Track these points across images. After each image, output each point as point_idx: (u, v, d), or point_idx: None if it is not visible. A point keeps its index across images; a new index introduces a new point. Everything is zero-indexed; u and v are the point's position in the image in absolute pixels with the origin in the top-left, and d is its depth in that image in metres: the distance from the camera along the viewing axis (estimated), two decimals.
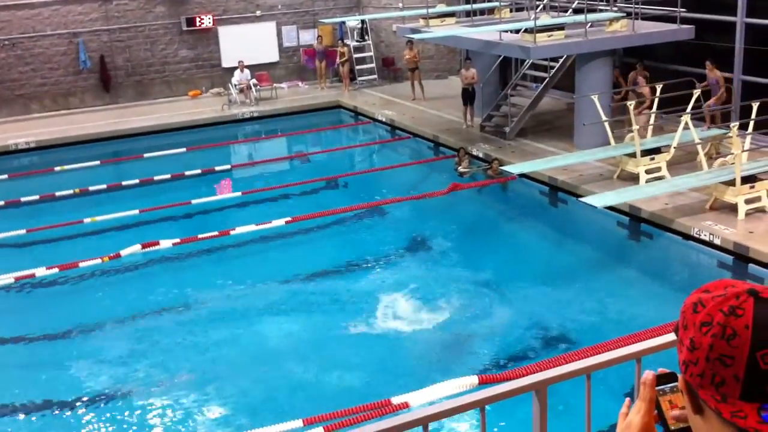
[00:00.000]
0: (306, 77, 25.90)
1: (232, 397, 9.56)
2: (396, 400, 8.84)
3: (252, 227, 14.47)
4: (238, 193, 16.93)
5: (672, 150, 14.90)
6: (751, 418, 1.31)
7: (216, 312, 11.60)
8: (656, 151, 15.11)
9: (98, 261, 13.26)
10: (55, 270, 13.01)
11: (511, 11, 20.22)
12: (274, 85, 24.47)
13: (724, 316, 1.34)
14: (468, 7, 19.86)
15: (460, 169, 17.27)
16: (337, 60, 24.64)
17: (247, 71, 23.46)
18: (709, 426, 1.40)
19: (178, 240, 13.96)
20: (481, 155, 17.80)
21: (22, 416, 9.42)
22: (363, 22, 25.60)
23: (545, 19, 17.15)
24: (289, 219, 14.72)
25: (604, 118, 15.51)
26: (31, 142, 20.82)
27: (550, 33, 16.49)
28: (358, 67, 25.64)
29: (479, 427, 3.06)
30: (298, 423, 8.62)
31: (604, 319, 11.04)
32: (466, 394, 3.08)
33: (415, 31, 19.16)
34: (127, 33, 24.06)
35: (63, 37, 23.49)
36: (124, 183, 17.75)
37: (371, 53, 25.89)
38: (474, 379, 9.17)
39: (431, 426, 2.93)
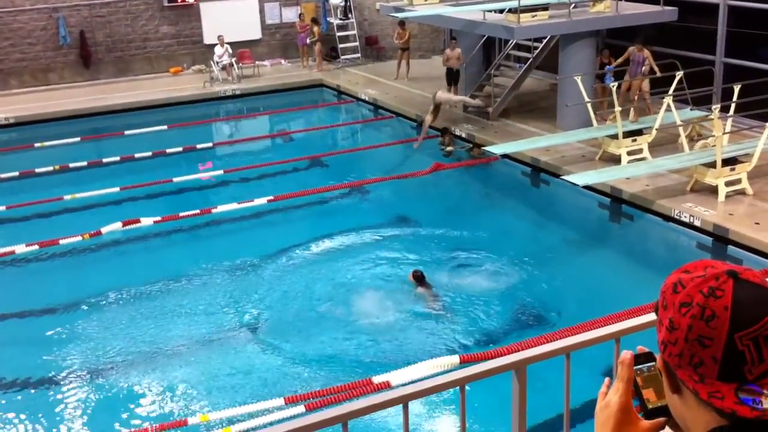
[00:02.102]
0: (289, 55, 25.72)
1: (213, 375, 9.56)
2: (377, 378, 8.89)
3: (234, 206, 14.42)
4: (220, 171, 16.86)
5: (654, 132, 14.97)
6: (728, 398, 1.33)
7: (197, 290, 11.57)
8: (638, 132, 15.18)
9: (79, 238, 13.17)
10: (36, 247, 12.92)
11: None
12: (257, 62, 24.30)
13: (703, 297, 1.35)
14: None
15: (447, 149, 17.29)
16: (308, 39, 24.50)
17: (227, 46, 23.25)
18: (687, 406, 1.41)
19: (159, 218, 13.88)
20: (464, 135, 17.80)
21: None
22: (346, 0, 25.43)
23: None
24: (271, 198, 14.67)
25: (586, 99, 15.54)
26: (10, 118, 20.58)
27: (534, 13, 16.46)
28: (341, 46, 25.49)
29: (459, 405, 3.08)
30: (280, 401, 8.66)
31: (583, 299, 11.12)
32: (447, 373, 3.10)
33: (398, 9, 19.06)
34: (108, 8, 23.77)
35: (42, 12, 23.18)
36: (104, 160, 17.62)
37: (354, 32, 25.74)
38: (454, 358, 9.23)
39: (412, 404, 2.94)
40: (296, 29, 24.80)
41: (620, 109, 14.76)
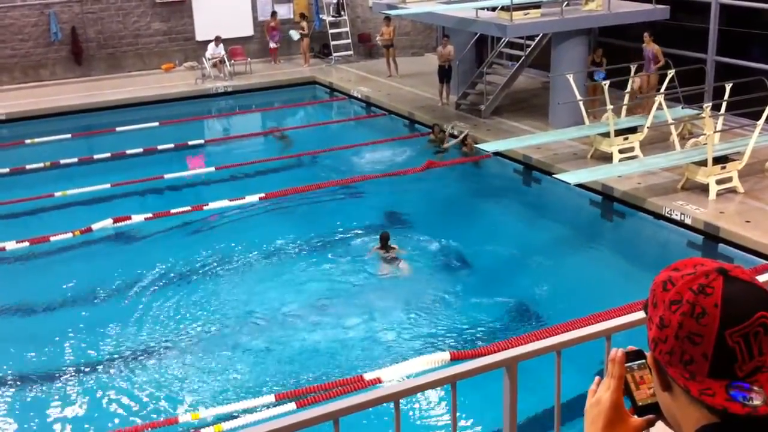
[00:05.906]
0: (281, 52, 25.60)
1: (202, 372, 9.54)
2: (368, 375, 8.89)
3: (226, 202, 14.40)
4: (212, 168, 16.82)
5: (645, 130, 15.00)
6: (719, 395, 1.33)
7: (187, 287, 11.54)
8: (630, 130, 15.21)
9: (69, 235, 13.12)
10: (26, 244, 12.87)
11: None
12: (249, 59, 24.24)
13: (693, 295, 1.35)
14: None
15: (444, 145, 17.30)
16: (297, 34, 24.46)
17: (222, 45, 23.19)
18: (678, 403, 1.41)
19: (150, 215, 13.84)
20: (456, 133, 17.81)
21: None
22: None
23: None
24: (263, 195, 14.65)
25: (578, 97, 15.55)
26: (1, 115, 20.49)
27: (526, 11, 16.47)
28: (333, 43, 25.45)
29: (450, 402, 3.08)
30: (270, 398, 8.65)
31: (575, 297, 11.13)
32: (438, 370, 3.10)
33: (391, 6, 19.04)
34: (99, 4, 23.67)
35: (34, 8, 23.07)
36: (95, 156, 17.55)
37: (347, 29, 25.70)
38: (446, 355, 9.24)
39: (403, 401, 2.94)
40: (266, 28, 24.84)
41: (612, 107, 14.79)
